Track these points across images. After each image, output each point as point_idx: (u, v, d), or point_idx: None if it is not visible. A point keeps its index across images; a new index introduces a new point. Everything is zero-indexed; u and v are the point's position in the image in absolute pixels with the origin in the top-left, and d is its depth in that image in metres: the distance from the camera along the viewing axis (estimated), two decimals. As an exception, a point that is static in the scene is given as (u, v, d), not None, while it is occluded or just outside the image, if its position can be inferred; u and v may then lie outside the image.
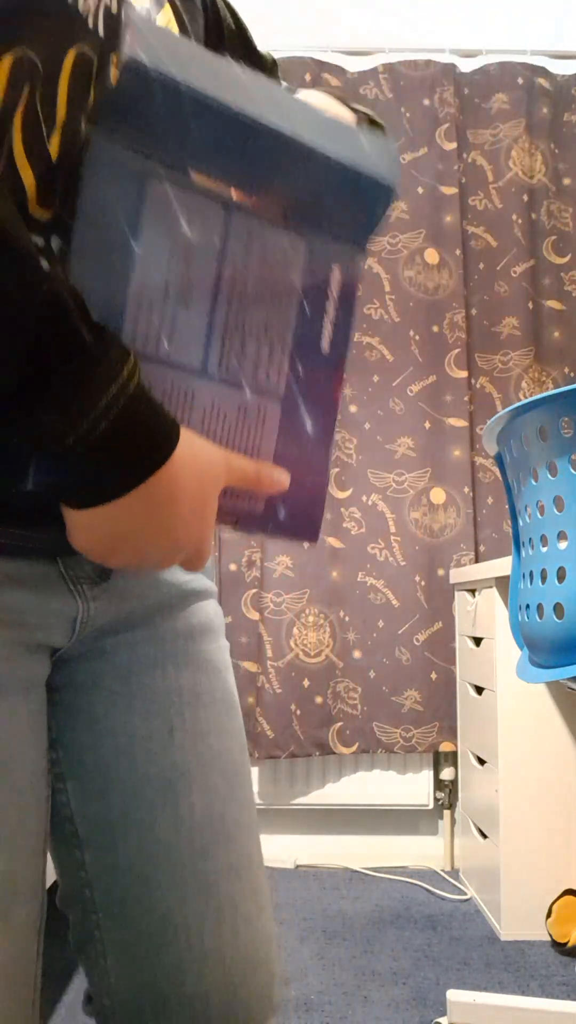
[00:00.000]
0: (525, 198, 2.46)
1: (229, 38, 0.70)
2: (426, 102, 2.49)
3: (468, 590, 2.11)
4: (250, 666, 2.33)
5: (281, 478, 0.51)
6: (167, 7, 0.60)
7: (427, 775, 2.33)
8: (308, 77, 2.45)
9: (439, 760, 2.36)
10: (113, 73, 0.49)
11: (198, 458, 0.46)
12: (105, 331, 0.41)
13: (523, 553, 1.18)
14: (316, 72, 2.47)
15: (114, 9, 0.50)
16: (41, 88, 0.46)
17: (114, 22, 0.50)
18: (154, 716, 0.56)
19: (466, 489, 2.37)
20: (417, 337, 2.42)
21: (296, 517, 0.53)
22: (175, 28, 0.60)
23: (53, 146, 0.47)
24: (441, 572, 2.34)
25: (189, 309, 0.47)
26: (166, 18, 0.59)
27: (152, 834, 0.54)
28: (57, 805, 0.58)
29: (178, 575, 0.61)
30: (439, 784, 2.34)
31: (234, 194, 0.48)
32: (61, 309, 0.39)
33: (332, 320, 0.52)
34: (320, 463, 0.53)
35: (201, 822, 0.55)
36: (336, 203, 0.50)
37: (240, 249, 0.48)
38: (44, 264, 0.39)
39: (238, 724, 0.61)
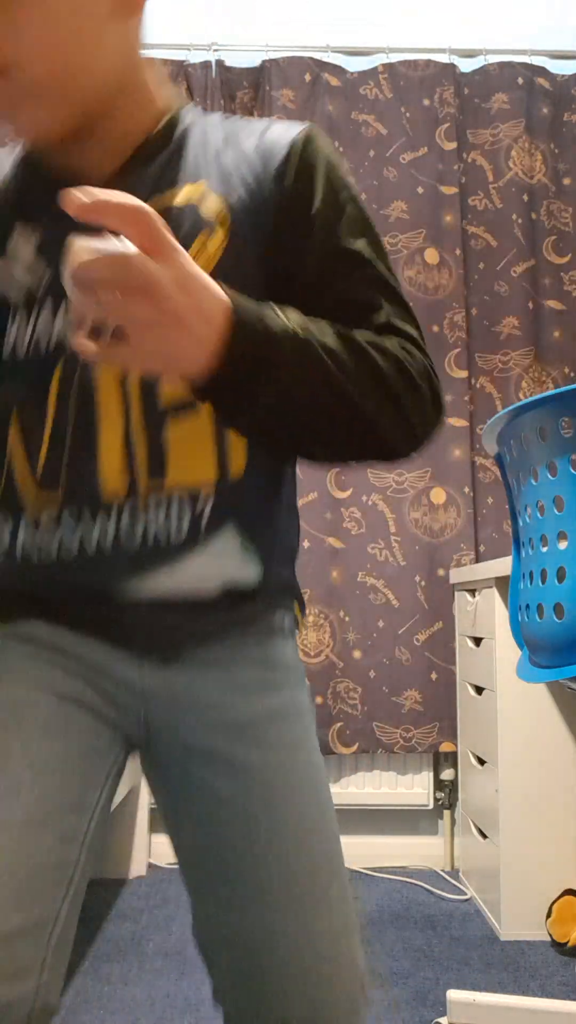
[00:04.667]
0: (525, 198, 2.45)
1: (304, 229, 0.67)
2: (426, 102, 2.49)
3: (468, 590, 2.11)
4: (250, 666, 2.33)
5: None
6: (220, 232, 0.65)
7: (427, 775, 2.33)
8: (308, 77, 2.45)
9: (439, 760, 2.36)
10: None
11: None
12: None
13: (523, 553, 1.18)
14: (316, 72, 2.46)
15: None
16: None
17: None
18: (237, 793, 0.67)
19: (466, 489, 2.37)
20: (417, 337, 2.42)
21: None
22: (218, 252, 0.65)
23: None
24: (441, 572, 2.34)
25: None
26: (214, 247, 0.65)
27: (243, 875, 0.66)
28: (178, 838, 0.71)
29: (238, 679, 0.71)
30: (439, 784, 2.34)
31: None
32: None
33: None
34: None
35: (291, 870, 0.66)
36: None
37: None
38: None
39: (312, 790, 0.70)
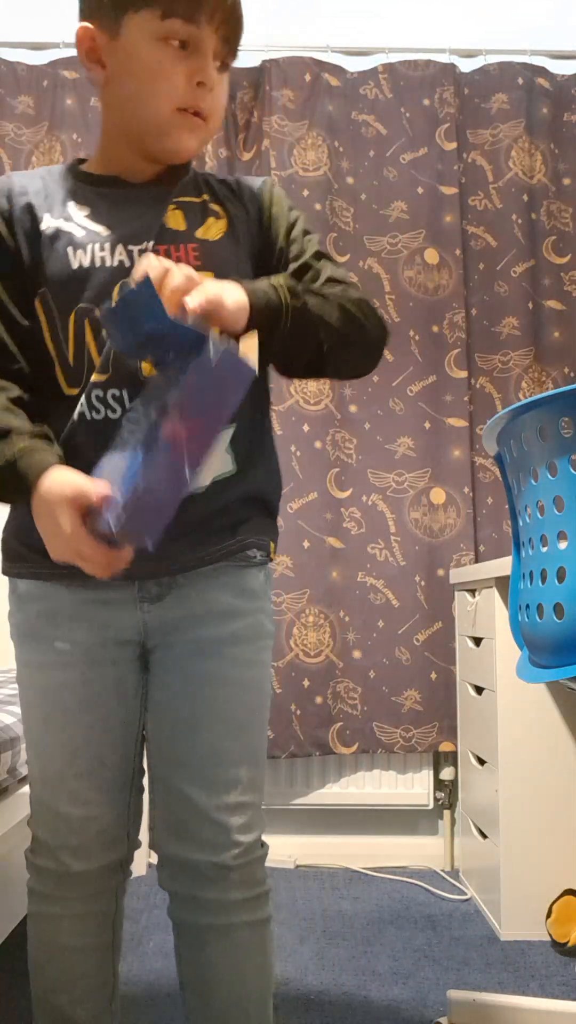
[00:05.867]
0: (525, 198, 2.45)
1: (276, 256, 1.02)
2: (426, 102, 2.49)
3: (468, 590, 2.11)
4: (250, 666, 2.32)
5: (101, 489, 0.79)
6: (222, 220, 0.99)
7: (427, 775, 2.33)
8: (308, 77, 2.45)
9: (439, 760, 2.36)
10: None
11: (46, 497, 0.82)
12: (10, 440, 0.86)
13: (523, 553, 1.18)
14: (316, 72, 2.47)
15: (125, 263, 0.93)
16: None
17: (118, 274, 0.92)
18: (189, 684, 0.95)
19: (466, 489, 2.36)
20: (417, 337, 2.42)
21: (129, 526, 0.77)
22: (222, 232, 0.98)
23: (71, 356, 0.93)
24: (441, 572, 2.34)
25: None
26: (219, 229, 0.98)
27: (176, 748, 0.96)
28: (144, 723, 0.99)
29: (213, 604, 0.96)
30: (439, 784, 2.34)
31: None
32: None
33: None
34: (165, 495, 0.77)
35: (206, 746, 0.94)
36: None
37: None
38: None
39: (244, 698, 0.96)
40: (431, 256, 2.44)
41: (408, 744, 2.28)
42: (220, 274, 0.90)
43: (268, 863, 0.98)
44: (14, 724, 1.38)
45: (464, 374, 2.40)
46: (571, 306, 2.46)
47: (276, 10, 2.53)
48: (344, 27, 2.54)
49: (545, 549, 1.06)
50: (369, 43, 2.55)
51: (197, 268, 0.88)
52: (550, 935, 1.74)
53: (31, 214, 0.94)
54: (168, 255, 0.91)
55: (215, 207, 0.99)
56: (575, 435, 1.00)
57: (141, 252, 0.92)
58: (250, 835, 0.95)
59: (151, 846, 0.98)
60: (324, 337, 0.92)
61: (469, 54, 2.55)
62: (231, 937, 0.94)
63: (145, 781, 1.03)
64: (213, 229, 0.97)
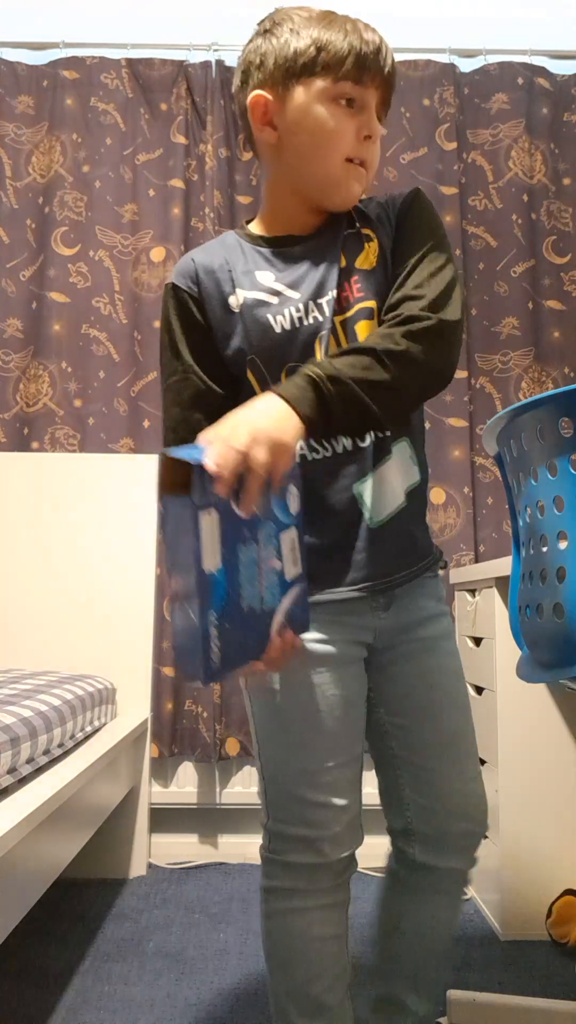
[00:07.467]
0: (525, 198, 2.45)
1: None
2: (426, 102, 2.49)
3: (468, 590, 2.10)
4: (250, 666, 2.32)
5: None
6: (373, 243, 1.06)
7: (427, 775, 2.32)
8: (308, 77, 2.45)
9: (439, 760, 2.35)
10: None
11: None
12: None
13: (523, 553, 1.18)
14: (316, 72, 2.46)
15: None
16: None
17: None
18: (425, 676, 1.09)
19: (466, 489, 2.36)
20: (417, 337, 2.42)
21: None
22: (375, 257, 1.05)
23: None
24: (441, 572, 2.33)
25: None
26: (372, 254, 1.05)
27: (423, 733, 1.08)
28: (376, 716, 1.11)
29: (424, 610, 1.10)
30: (439, 784, 2.34)
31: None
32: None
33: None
34: None
35: (448, 728, 1.08)
36: None
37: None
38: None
39: (462, 684, 1.12)
40: (431, 256, 2.44)
41: (408, 744, 2.28)
42: (381, 300, 1.02)
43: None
44: (14, 724, 1.38)
45: (464, 374, 2.40)
46: (571, 306, 2.46)
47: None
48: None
49: (545, 549, 1.06)
50: (369, 43, 2.55)
51: (360, 299, 1.02)
52: (550, 935, 1.74)
53: (219, 290, 1.03)
54: (345, 298, 1.02)
55: (366, 231, 1.06)
56: (575, 435, 1.00)
57: (328, 303, 1.01)
58: (486, 809, 1.10)
59: (402, 842, 1.11)
60: (380, 398, 0.93)
61: (469, 54, 2.56)
62: (453, 893, 1.11)
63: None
64: (369, 256, 1.05)
